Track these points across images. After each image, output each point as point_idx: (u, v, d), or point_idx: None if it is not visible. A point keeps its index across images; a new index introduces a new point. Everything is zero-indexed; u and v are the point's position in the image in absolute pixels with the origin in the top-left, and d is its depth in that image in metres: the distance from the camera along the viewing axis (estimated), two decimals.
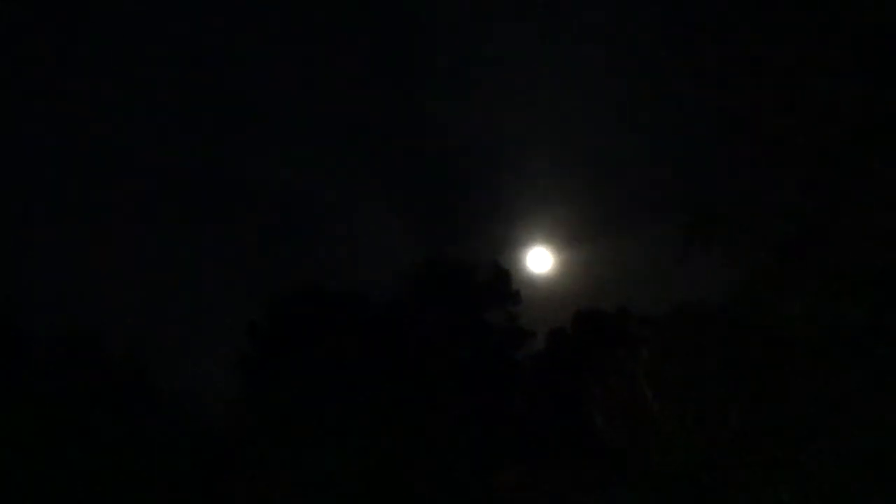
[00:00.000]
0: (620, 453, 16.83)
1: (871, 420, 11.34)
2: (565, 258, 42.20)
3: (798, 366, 12.48)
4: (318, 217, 54.31)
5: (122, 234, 48.11)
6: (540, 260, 41.40)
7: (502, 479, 29.87)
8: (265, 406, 31.75)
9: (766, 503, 12.68)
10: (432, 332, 36.95)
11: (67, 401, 27.24)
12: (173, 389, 30.72)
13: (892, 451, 11.07)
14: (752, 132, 12.72)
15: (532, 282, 40.95)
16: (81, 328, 31.32)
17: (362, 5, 58.49)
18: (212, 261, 47.27)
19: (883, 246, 11.17)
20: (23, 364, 28.42)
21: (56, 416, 26.43)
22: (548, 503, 27.62)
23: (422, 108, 59.94)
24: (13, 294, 30.94)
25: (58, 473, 25.37)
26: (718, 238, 13.74)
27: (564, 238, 45.21)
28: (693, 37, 13.26)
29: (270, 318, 36.10)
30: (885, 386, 11.31)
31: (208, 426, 31.27)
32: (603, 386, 18.63)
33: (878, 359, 11.32)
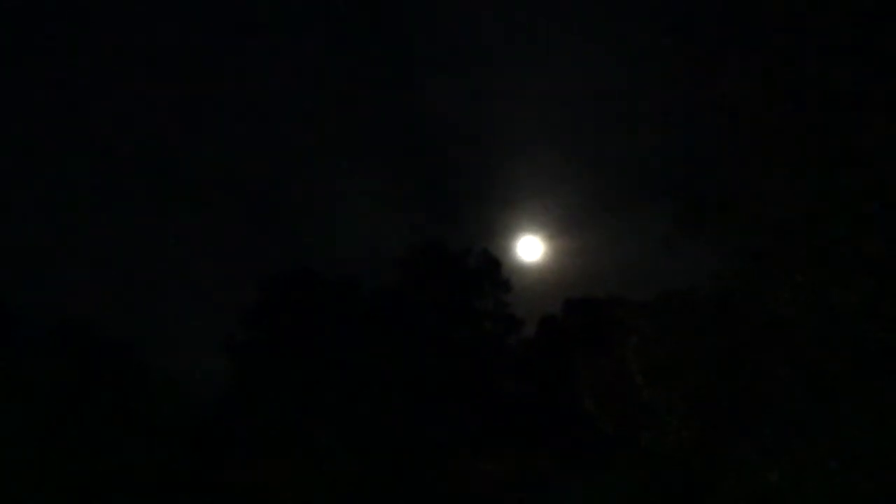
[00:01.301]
0: (611, 437, 16.94)
1: (863, 404, 11.44)
2: (555, 246, 42.30)
3: (790, 351, 12.57)
4: (311, 203, 54.29)
5: (114, 222, 48.06)
6: (530, 248, 41.53)
7: (490, 466, 30.03)
8: (257, 389, 31.80)
9: (756, 486, 12.79)
10: (423, 318, 37.03)
11: (61, 386, 27.26)
12: (166, 373, 30.81)
13: (884, 435, 11.17)
14: (743, 118, 12.76)
15: (522, 270, 41.07)
16: (75, 314, 31.38)
17: None
18: (205, 247, 47.30)
19: (875, 232, 11.23)
20: (17, 350, 28.37)
21: (50, 401, 26.43)
22: (537, 487, 27.78)
23: (415, 98, 59.86)
24: (7, 281, 30.95)
25: (52, 456, 25.39)
26: (709, 224, 13.79)
27: (555, 226, 45.37)
28: (685, 22, 13.27)
29: (262, 303, 36.13)
30: (878, 371, 11.40)
31: (201, 409, 31.37)
32: (593, 371, 18.73)
33: (872, 344, 11.41)
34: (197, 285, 40.62)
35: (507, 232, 43.08)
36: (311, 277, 36.61)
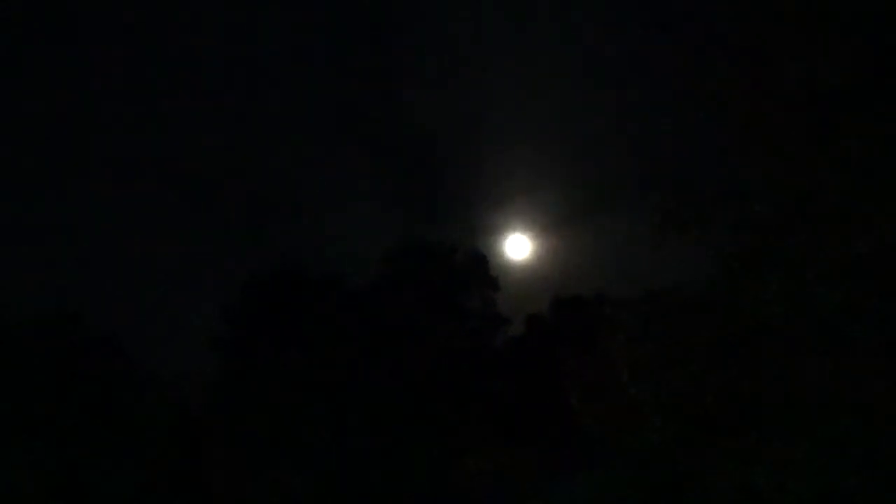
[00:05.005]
0: (597, 435, 16.88)
1: (846, 402, 11.45)
2: (543, 245, 42.16)
3: (774, 348, 12.56)
4: (297, 200, 54.16)
5: (102, 218, 47.76)
6: (518, 246, 41.33)
7: (471, 464, 29.94)
8: (241, 387, 31.66)
9: (740, 486, 12.78)
10: (409, 315, 36.88)
11: (49, 379, 27.18)
12: (152, 370, 30.72)
13: (867, 432, 11.18)
14: (729, 115, 12.76)
15: (510, 268, 40.91)
16: (62, 309, 31.17)
17: None
18: (191, 244, 47.06)
19: (859, 229, 11.24)
20: (5, 344, 28.24)
21: (34, 396, 26.34)
22: (523, 485, 27.76)
23: (403, 95, 59.73)
24: None
25: (35, 451, 25.31)
26: (696, 222, 13.77)
27: (543, 225, 45.28)
28: (670, 20, 13.26)
29: (246, 300, 35.90)
30: (861, 368, 11.41)
31: (186, 406, 31.29)
32: (579, 369, 18.68)
33: (854, 341, 11.42)
34: (184, 281, 40.33)
35: (496, 230, 42.81)
36: (294, 275, 36.41)
